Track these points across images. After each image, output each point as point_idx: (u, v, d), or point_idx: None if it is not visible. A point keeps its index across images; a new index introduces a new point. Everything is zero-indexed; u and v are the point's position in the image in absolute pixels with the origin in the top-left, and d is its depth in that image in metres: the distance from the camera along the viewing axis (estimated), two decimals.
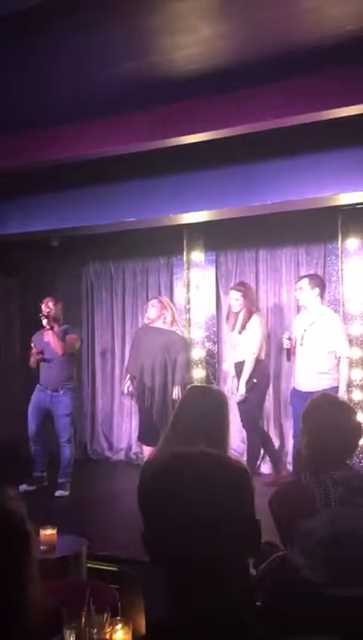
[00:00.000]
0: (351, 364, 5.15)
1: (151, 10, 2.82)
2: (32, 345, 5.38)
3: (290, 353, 5.05)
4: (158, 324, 5.37)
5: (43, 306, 5.30)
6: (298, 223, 5.51)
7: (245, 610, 1.06)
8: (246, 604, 1.33)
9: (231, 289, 5.48)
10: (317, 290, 4.91)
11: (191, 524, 1.03)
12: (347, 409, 2.29)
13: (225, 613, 1.02)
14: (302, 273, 5.86)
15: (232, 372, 5.52)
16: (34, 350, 5.33)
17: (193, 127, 3.87)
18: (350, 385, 5.42)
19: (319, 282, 5.01)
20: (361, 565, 1.91)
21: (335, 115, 3.58)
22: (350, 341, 5.43)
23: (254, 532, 1.11)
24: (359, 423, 2.26)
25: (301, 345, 4.91)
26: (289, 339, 5.00)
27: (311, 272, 5.49)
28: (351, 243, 5.52)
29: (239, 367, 5.29)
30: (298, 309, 5.36)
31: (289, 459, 5.46)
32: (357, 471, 2.23)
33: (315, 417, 2.23)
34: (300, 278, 5.09)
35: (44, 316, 5.18)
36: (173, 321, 5.41)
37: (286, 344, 5.03)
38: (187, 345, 5.61)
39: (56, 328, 5.22)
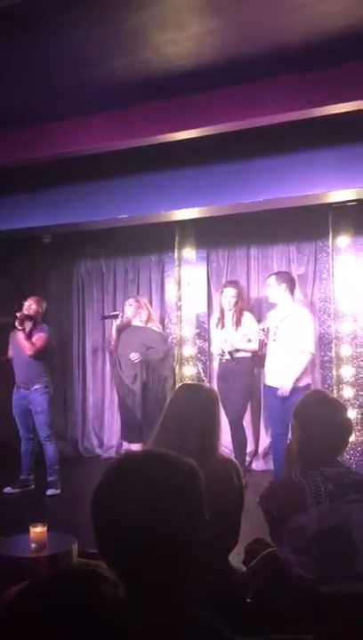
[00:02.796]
0: (314, 363, 5.18)
1: (142, 6, 2.81)
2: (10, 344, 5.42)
3: (262, 345, 5.06)
4: (136, 323, 5.42)
5: (25, 304, 5.34)
6: (289, 220, 5.52)
7: (204, 611, 1.04)
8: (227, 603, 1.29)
9: (227, 286, 5.50)
10: (283, 286, 4.95)
11: (135, 526, 1.02)
12: (338, 406, 2.29)
13: (179, 616, 1.00)
14: (294, 270, 5.89)
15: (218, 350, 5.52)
16: (11, 350, 5.40)
17: (184, 124, 3.86)
18: (340, 382, 5.45)
19: (287, 278, 5.05)
20: (352, 562, 1.92)
21: (326, 112, 3.58)
22: (341, 338, 5.46)
23: (198, 532, 1.07)
24: (350, 420, 2.27)
25: (273, 341, 4.92)
26: (263, 330, 5.02)
27: (268, 268, 5.68)
28: (342, 240, 5.53)
29: (229, 362, 5.32)
30: (269, 305, 5.39)
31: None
32: (347, 468, 2.23)
33: (306, 414, 2.23)
34: (268, 276, 5.15)
35: (16, 316, 5.21)
36: (149, 319, 5.48)
37: (260, 335, 5.04)
38: (165, 340, 5.62)
39: (28, 327, 5.24)
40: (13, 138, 4.26)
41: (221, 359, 5.46)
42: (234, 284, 5.55)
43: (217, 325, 5.49)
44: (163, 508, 1.03)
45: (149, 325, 5.50)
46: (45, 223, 5.18)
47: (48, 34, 3.06)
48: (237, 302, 5.35)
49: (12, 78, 3.58)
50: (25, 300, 5.40)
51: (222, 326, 5.43)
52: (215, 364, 5.98)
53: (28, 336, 5.21)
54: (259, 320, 5.73)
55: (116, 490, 1.08)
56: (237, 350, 5.23)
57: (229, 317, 5.36)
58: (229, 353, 5.22)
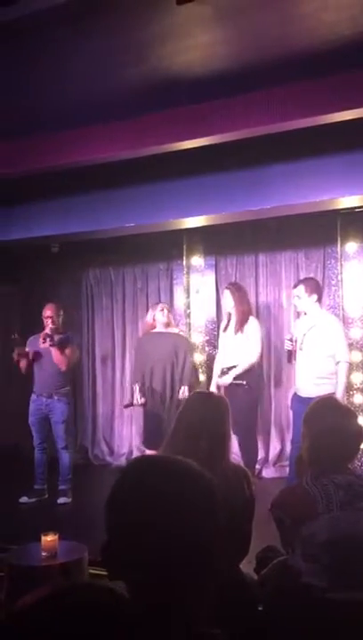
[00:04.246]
0: (351, 369, 5.08)
1: (151, 17, 2.84)
2: (26, 350, 5.28)
3: (292, 355, 4.94)
4: (160, 329, 5.37)
5: (46, 319, 5.20)
6: (297, 227, 5.51)
7: (211, 622, 1.02)
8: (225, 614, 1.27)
9: (225, 288, 5.47)
10: (314, 296, 4.81)
11: (148, 532, 1.00)
12: (348, 412, 2.29)
13: (184, 628, 0.99)
14: (302, 277, 5.87)
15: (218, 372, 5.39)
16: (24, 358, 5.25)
17: (193, 132, 3.88)
18: (350, 388, 5.42)
19: (315, 286, 4.91)
20: (362, 569, 1.91)
21: (334, 119, 3.60)
22: (350, 345, 5.43)
23: (214, 546, 1.05)
24: (360, 427, 2.26)
25: (300, 349, 4.82)
26: (291, 340, 4.91)
27: (310, 276, 5.45)
28: (351, 246, 5.53)
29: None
30: (298, 314, 5.32)
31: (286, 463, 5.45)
32: (358, 475, 2.22)
33: (316, 421, 2.23)
34: (295, 285, 4.98)
35: (48, 335, 5.10)
36: (170, 324, 5.44)
37: (287, 345, 4.92)
38: (191, 345, 5.57)
39: (58, 339, 5.17)
40: (22, 148, 4.30)
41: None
42: (231, 285, 5.45)
43: (223, 330, 5.45)
44: (178, 515, 1.02)
45: (176, 330, 5.46)
46: (54, 232, 5.21)
47: (57, 44, 3.10)
48: (235, 305, 5.24)
49: (23, 89, 3.62)
50: (43, 310, 5.28)
51: (225, 330, 5.38)
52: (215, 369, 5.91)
53: (62, 350, 5.16)
54: (269, 327, 5.73)
55: (132, 491, 1.06)
56: (238, 376, 5.10)
57: (233, 322, 5.29)
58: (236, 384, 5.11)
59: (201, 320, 6.05)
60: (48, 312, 5.25)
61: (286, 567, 2.07)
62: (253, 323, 5.24)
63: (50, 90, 3.63)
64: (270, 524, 2.19)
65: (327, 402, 2.47)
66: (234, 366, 5.16)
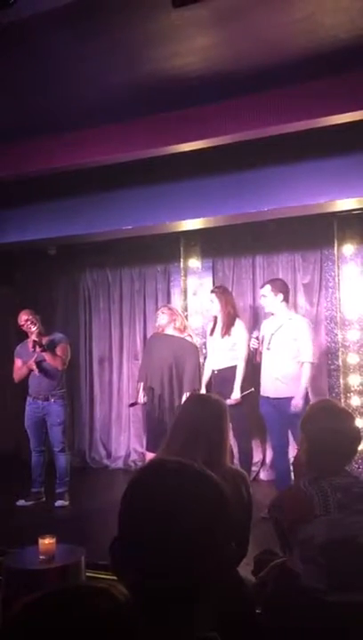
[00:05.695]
0: (315, 371, 5.03)
1: (147, 19, 2.84)
2: (16, 358, 5.29)
3: (257, 354, 4.96)
4: (169, 331, 5.35)
5: (26, 323, 5.20)
6: (294, 229, 5.52)
7: (209, 625, 1.02)
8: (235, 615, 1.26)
9: (210, 292, 5.46)
10: (280, 296, 4.83)
11: (153, 536, 1.00)
12: (345, 414, 2.29)
13: (182, 631, 0.99)
14: (299, 279, 5.89)
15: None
16: (20, 364, 5.26)
17: (190, 135, 3.89)
18: (347, 390, 5.43)
19: (282, 286, 4.92)
20: (360, 571, 1.91)
21: (331, 122, 3.60)
22: (348, 347, 5.44)
23: (222, 549, 1.04)
24: (358, 429, 2.26)
25: (267, 349, 4.83)
26: (257, 338, 4.92)
27: (279, 277, 5.47)
28: (347, 248, 5.54)
29: (223, 374, 5.23)
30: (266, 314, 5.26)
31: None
32: (356, 477, 2.22)
33: (313, 423, 2.23)
34: (262, 285, 5.00)
35: (36, 342, 5.10)
36: (185, 327, 5.40)
37: (253, 343, 4.93)
38: (196, 351, 5.43)
39: (46, 341, 5.18)
40: (20, 151, 4.30)
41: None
42: (216, 289, 5.45)
43: (209, 333, 5.43)
44: (191, 517, 1.01)
45: (184, 335, 5.35)
46: (51, 235, 5.20)
47: (53, 47, 3.09)
48: (221, 308, 5.22)
49: (19, 92, 3.62)
50: (18, 318, 5.29)
51: (212, 334, 5.36)
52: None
53: (54, 352, 5.16)
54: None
55: (148, 490, 1.06)
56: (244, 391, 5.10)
57: (220, 325, 5.26)
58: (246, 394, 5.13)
59: (198, 322, 6.04)
60: (24, 316, 5.25)
61: (285, 569, 2.07)
62: (239, 325, 5.23)
63: (46, 92, 3.63)
64: (268, 527, 2.19)
65: (324, 404, 2.47)
66: (225, 368, 5.17)
